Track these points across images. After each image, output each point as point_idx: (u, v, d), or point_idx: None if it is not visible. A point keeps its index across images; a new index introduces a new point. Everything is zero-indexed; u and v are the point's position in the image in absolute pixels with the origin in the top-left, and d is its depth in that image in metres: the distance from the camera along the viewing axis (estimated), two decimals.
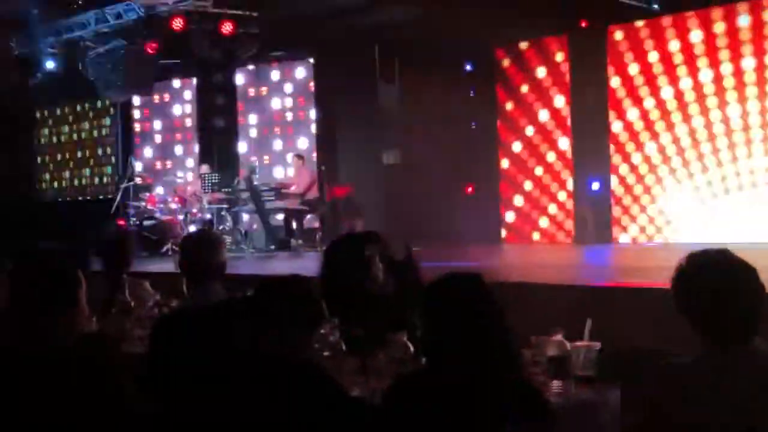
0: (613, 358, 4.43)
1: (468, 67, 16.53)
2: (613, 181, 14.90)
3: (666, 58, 14.23)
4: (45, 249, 7.14)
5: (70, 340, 3.62)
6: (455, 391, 3.14)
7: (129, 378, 3.87)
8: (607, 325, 4.82)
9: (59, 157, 21.67)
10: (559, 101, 15.48)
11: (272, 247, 16.04)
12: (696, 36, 13.83)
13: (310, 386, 3.38)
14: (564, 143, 15.45)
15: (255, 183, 16.66)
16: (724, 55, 13.55)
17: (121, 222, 17.36)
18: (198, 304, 5.08)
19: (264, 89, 18.84)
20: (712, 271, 3.17)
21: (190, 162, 19.48)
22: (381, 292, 4.83)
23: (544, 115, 15.70)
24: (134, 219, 17.34)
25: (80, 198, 20.87)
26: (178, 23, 15.32)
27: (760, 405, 3.02)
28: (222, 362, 3.48)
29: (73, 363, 3.57)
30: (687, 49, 13.92)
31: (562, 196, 15.63)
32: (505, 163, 16.22)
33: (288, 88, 18.51)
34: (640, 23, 14.41)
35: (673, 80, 14.08)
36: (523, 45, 15.89)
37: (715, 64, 13.63)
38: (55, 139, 21.75)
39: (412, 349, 4.09)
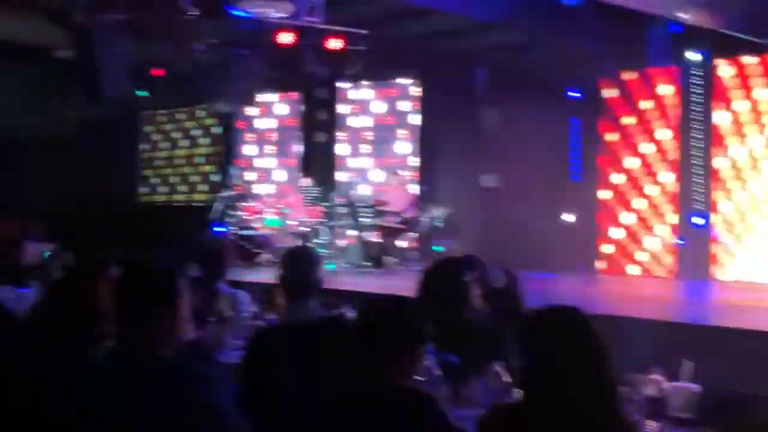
0: (713, 401, 4.32)
1: (571, 95, 16.38)
2: (715, 217, 14.62)
3: None
4: (147, 257, 7.19)
5: (170, 350, 3.64)
6: (552, 424, 3.10)
7: (227, 389, 3.83)
8: (707, 366, 4.76)
9: (161, 164, 21.99)
10: (663, 134, 15.29)
11: (367, 263, 16.06)
12: None
13: (417, 415, 3.32)
14: (666, 177, 15.21)
15: (353, 199, 16.83)
16: None
17: (220, 231, 17.59)
18: (294, 319, 5.07)
19: (367, 106, 18.83)
20: None
21: (291, 175, 19.54)
22: (478, 318, 4.80)
23: (647, 148, 15.56)
24: (232, 228, 17.57)
25: (181, 205, 21.05)
26: (286, 37, 15.41)
27: None
28: (319, 382, 3.44)
29: (174, 373, 3.60)
30: None
31: (661, 230, 15.37)
32: (603, 194, 16.07)
33: (391, 106, 18.50)
34: (748, 58, 14.17)
35: None
36: (628, 75, 15.73)
37: None
38: (157, 146, 22.05)
39: (508, 379, 4.06)
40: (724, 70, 14.58)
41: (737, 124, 14.32)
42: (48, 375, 3.80)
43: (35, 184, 18.83)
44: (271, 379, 4.41)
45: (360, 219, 16.63)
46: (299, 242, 16.20)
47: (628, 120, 15.75)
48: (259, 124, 20.39)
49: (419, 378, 4.12)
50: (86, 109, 18.21)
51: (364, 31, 15.64)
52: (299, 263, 5.25)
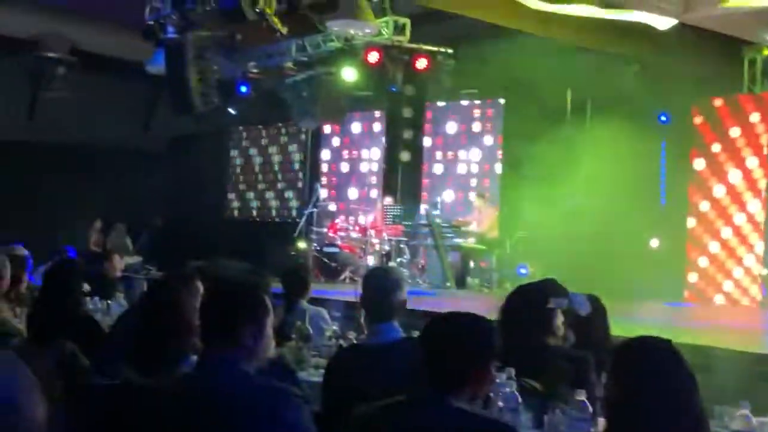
0: None
1: (662, 119, 16.22)
2: None
3: None
4: (234, 272, 7.33)
5: (253, 367, 3.67)
6: None
7: (306, 407, 3.85)
8: None
9: (247, 178, 22.24)
10: (752, 162, 15.05)
11: (448, 284, 15.95)
12: None
13: None
14: (754, 206, 14.93)
15: (436, 219, 16.73)
16: None
17: (303, 246, 17.74)
18: (375, 341, 5.09)
19: (452, 126, 18.81)
20: None
21: (374, 192, 19.65)
22: (561, 346, 4.80)
23: (735, 176, 15.32)
24: (315, 245, 17.75)
25: (266, 220, 21.34)
26: (373, 56, 15.62)
27: None
28: (399, 405, 3.44)
29: (256, 390, 3.60)
30: None
31: (749, 260, 15.06)
32: (691, 222, 15.79)
33: (476, 126, 18.45)
34: None
35: None
36: (718, 102, 15.43)
37: None
38: (244, 161, 22.33)
39: (591, 409, 3.99)
40: None
41: None
42: (131, 387, 3.90)
43: (126, 197, 19.11)
44: (350, 400, 4.30)
45: (442, 239, 16.54)
46: (380, 261, 16.59)
47: (716, 147, 15.52)
48: (345, 142, 20.49)
49: (500, 404, 4.18)
50: (177, 125, 18.61)
51: (449, 50, 15.88)
52: (381, 286, 5.23)
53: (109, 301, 8.27)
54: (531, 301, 4.94)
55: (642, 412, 3.12)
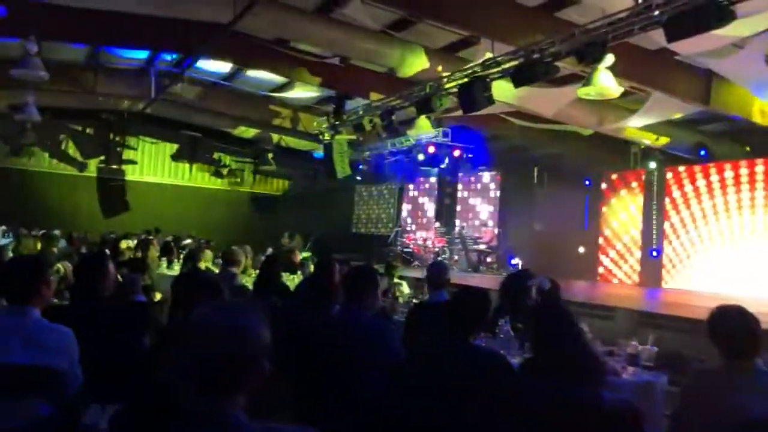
0: (664, 356, 4.15)
1: (586, 182, 15.74)
2: None
3: None
4: (359, 262, 7.20)
5: (371, 313, 3.62)
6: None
7: (397, 334, 3.79)
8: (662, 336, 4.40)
9: (364, 211, 22.08)
10: (632, 209, 14.48)
11: (469, 269, 16.08)
12: None
13: (501, 368, 3.00)
14: (635, 231, 14.45)
15: (464, 234, 17.08)
16: None
17: (393, 249, 17.84)
18: (434, 300, 4.92)
19: (470, 185, 18.76)
20: None
21: (431, 220, 19.45)
22: (532, 304, 4.47)
23: (623, 216, 14.87)
24: (399, 247, 18.02)
25: (373, 234, 21.03)
26: (431, 148, 15.96)
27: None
28: (443, 336, 3.15)
29: (373, 325, 3.54)
30: None
31: (631, 260, 14.50)
32: (600, 240, 15.37)
33: (485, 186, 18.26)
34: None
35: None
36: (614, 176, 15.15)
37: None
38: (362, 202, 22.15)
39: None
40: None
41: None
42: (303, 323, 3.72)
43: (300, 221, 19.18)
44: (418, 332, 4.30)
45: (467, 245, 16.78)
46: (434, 257, 16.54)
47: (613, 200, 15.19)
48: (415, 193, 20.50)
49: (501, 336, 4.13)
50: (327, 183, 18.76)
51: (471, 146, 16.16)
52: (438, 270, 5.16)
53: (293, 275, 8.03)
54: (518, 282, 4.72)
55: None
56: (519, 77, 8.45)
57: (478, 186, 18.51)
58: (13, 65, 10.11)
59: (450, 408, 2.80)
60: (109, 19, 10.60)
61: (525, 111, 12.14)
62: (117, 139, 19.60)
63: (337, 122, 14.62)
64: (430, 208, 19.80)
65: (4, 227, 13.24)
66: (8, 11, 7.80)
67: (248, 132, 18.47)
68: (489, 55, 9.21)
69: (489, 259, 16.66)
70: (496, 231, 17.39)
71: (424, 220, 19.85)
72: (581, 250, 15.73)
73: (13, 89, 13.52)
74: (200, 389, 1.57)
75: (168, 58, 13.71)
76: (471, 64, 9.86)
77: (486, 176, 18.28)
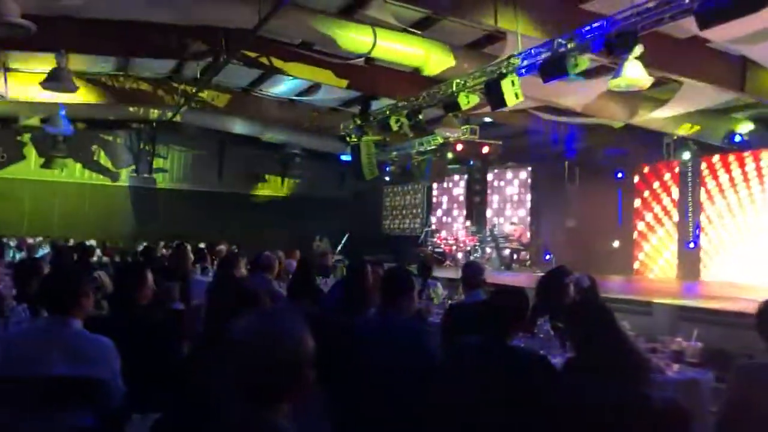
0: (709, 353, 4.02)
1: (619, 175, 15.58)
2: None
3: None
4: (392, 264, 7.00)
5: (408, 315, 3.58)
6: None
7: (433, 336, 3.72)
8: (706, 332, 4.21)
9: (393, 212, 22.04)
10: (666, 201, 14.62)
11: (502, 267, 15.95)
12: None
13: (542, 368, 2.92)
14: (668, 224, 14.34)
15: (494, 232, 17.01)
16: None
17: (424, 249, 17.89)
18: (468, 301, 4.92)
19: (502, 183, 18.48)
20: None
21: (461, 219, 19.42)
22: (570, 302, 4.39)
23: (657, 209, 14.83)
24: (430, 247, 17.95)
25: (404, 235, 20.95)
26: (459, 147, 15.89)
27: None
28: (481, 336, 3.09)
29: (409, 327, 3.51)
30: None
31: (667, 254, 14.35)
32: (634, 234, 15.19)
33: (515, 183, 18.27)
34: None
35: None
36: (646, 168, 15.00)
37: None
38: (391, 202, 22.10)
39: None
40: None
41: None
42: (340, 328, 3.52)
43: (331, 223, 19.02)
44: (455, 334, 4.04)
45: (498, 243, 16.71)
46: (466, 257, 16.44)
47: (646, 193, 15.06)
48: (444, 192, 20.41)
49: (541, 336, 4.05)
50: (356, 185, 18.82)
51: (499, 142, 16.15)
52: (474, 270, 5.11)
53: (326, 278, 7.93)
54: (556, 279, 4.62)
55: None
56: (547, 71, 8.34)
57: (508, 183, 18.40)
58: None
59: (491, 411, 2.75)
60: (135, 30, 10.73)
61: (554, 105, 11.97)
62: (147, 147, 19.67)
63: (363, 123, 14.57)
64: (460, 206, 19.68)
65: (40, 238, 13.48)
66: (37, 26, 8.01)
67: (274, 138, 18.52)
68: (515, 50, 9.12)
69: (522, 257, 16.54)
70: (528, 228, 17.23)
71: (455, 220, 19.75)
72: (616, 244, 15.53)
73: (44, 103, 13.77)
74: (242, 397, 1.56)
75: (195, 65, 13.83)
76: (497, 60, 9.77)
77: (516, 173, 18.18)
